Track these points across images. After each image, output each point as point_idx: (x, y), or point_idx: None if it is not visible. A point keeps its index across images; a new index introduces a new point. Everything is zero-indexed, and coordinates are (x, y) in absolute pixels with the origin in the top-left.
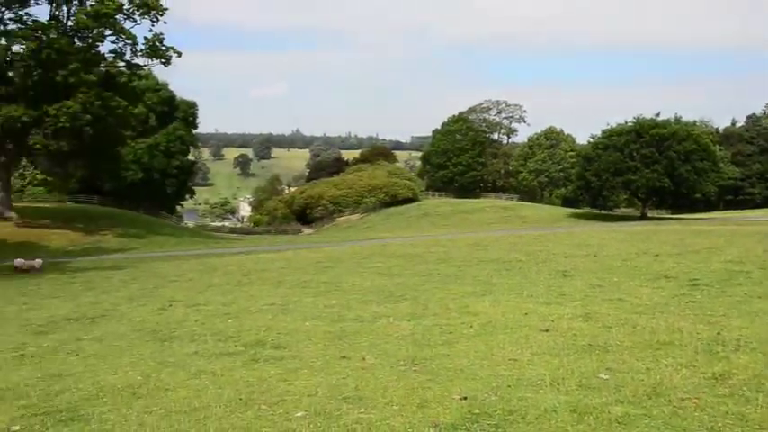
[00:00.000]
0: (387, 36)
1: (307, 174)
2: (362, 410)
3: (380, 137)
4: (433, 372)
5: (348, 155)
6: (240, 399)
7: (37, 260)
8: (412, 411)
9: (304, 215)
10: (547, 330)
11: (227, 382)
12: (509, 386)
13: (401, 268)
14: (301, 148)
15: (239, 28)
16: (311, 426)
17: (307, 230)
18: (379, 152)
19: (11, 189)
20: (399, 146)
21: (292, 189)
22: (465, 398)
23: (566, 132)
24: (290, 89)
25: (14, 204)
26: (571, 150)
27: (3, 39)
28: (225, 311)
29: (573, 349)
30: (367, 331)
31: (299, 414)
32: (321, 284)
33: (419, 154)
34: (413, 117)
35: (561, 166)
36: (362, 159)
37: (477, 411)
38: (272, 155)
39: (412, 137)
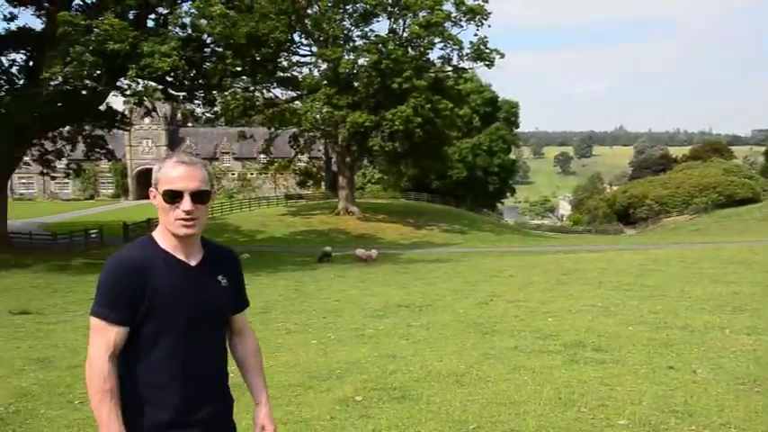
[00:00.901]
0: (722, 18)
1: (630, 172)
2: (693, 427)
3: (714, 131)
4: None
5: (676, 152)
6: (559, 398)
7: (373, 251)
8: None
9: (626, 215)
10: None
11: (547, 380)
12: None
13: (738, 276)
14: (625, 146)
15: (563, 26)
16: None
17: (629, 231)
18: (712, 148)
19: (354, 187)
20: (737, 140)
21: (614, 188)
22: None
23: None
24: (613, 85)
25: (356, 200)
26: None
27: (351, 54)
28: (544, 309)
29: None
30: (698, 342)
31: (621, 422)
32: (645, 288)
33: (762, 149)
34: (753, 108)
35: None
36: (692, 156)
37: None
38: (594, 152)
39: (753, 130)
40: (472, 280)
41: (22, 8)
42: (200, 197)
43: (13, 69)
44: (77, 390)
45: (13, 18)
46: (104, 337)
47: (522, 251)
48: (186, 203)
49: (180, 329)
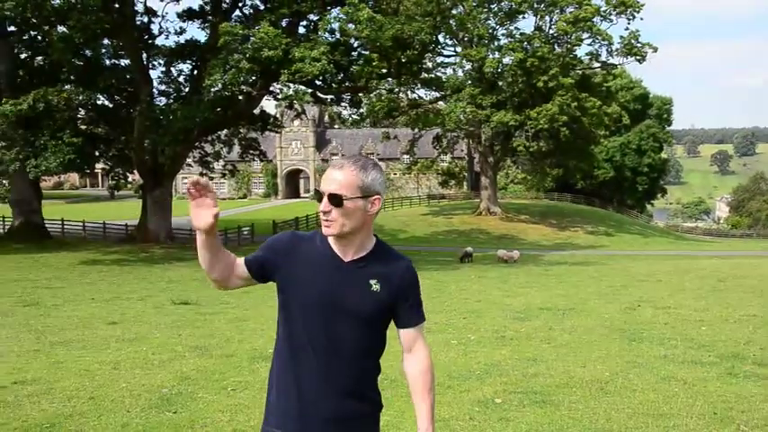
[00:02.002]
0: None
1: None
2: None
3: None
4: None
5: None
6: (715, 413)
7: (515, 252)
8: None
9: None
10: None
11: (700, 392)
12: None
13: None
14: None
15: (722, 13)
16: None
17: None
18: None
19: (496, 187)
20: None
21: None
22: None
23: None
24: None
25: (498, 200)
26: None
27: (496, 53)
28: (697, 318)
29: None
30: None
31: None
32: None
33: None
34: None
35: None
36: None
37: None
38: (757, 150)
39: None
40: (618, 284)
41: (189, 22)
42: (333, 200)
43: (180, 78)
44: (230, 377)
45: (182, 32)
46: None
47: (673, 255)
48: (321, 204)
49: (305, 317)
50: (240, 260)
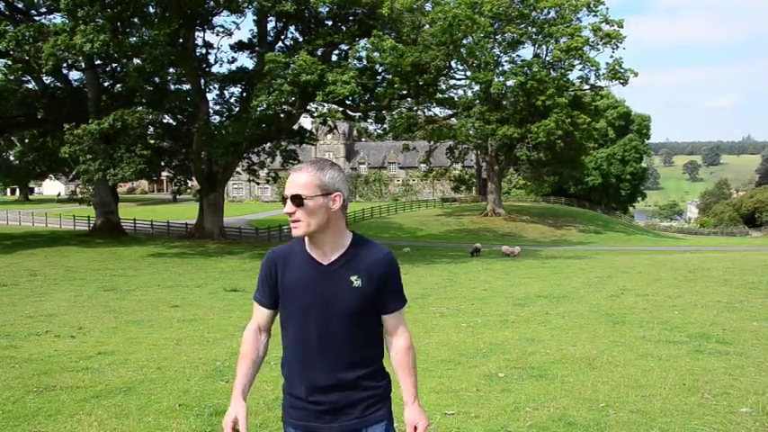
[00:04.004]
0: None
1: (757, 179)
2: None
3: None
4: None
5: None
6: (684, 384)
7: (516, 248)
8: None
9: (752, 219)
10: None
11: (672, 367)
12: None
13: None
14: (752, 154)
15: (693, 44)
16: (757, 423)
17: (755, 234)
18: None
19: (501, 191)
20: None
21: (741, 193)
22: None
23: None
24: (742, 99)
25: (503, 203)
26: None
27: (501, 76)
28: (671, 303)
29: None
30: None
31: (743, 410)
32: None
33: None
34: None
35: None
36: None
37: None
38: (721, 161)
39: None
40: (605, 275)
41: (240, 52)
42: (295, 200)
43: (232, 100)
44: (272, 353)
45: (233, 61)
46: (255, 314)
47: (651, 250)
48: (285, 206)
49: (300, 318)
50: (254, 325)
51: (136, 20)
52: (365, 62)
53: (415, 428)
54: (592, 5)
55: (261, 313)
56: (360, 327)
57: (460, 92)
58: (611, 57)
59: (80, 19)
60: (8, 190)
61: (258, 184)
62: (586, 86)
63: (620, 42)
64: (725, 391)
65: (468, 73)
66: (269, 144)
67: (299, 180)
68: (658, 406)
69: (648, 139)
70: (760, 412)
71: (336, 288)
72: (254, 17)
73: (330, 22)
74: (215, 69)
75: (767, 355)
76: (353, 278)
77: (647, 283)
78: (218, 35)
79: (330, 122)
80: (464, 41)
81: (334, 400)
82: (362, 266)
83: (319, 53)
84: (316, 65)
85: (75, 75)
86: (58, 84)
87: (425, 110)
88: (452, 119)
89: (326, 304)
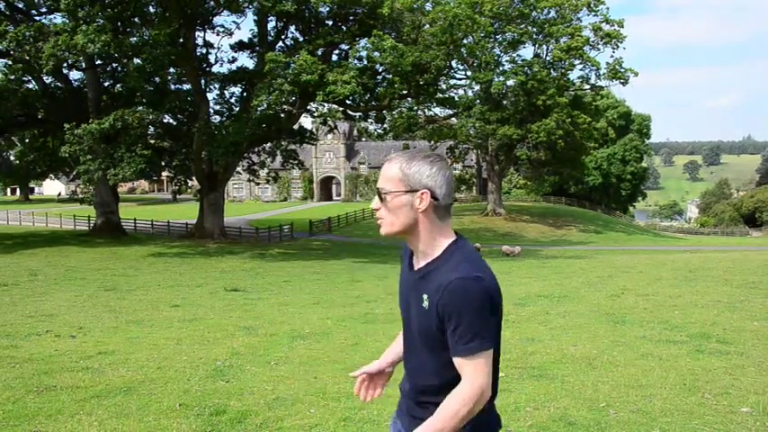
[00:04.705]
0: None
1: (757, 178)
2: None
3: None
4: None
5: None
6: (684, 384)
7: (517, 247)
8: None
9: (753, 218)
10: None
11: (672, 367)
12: None
13: None
14: (752, 154)
15: (693, 44)
16: (757, 423)
17: (755, 233)
18: None
19: (501, 191)
20: None
21: (741, 193)
22: None
23: None
24: (742, 98)
25: (503, 203)
26: None
27: (501, 76)
28: (672, 303)
29: None
30: None
31: (744, 409)
32: None
33: None
34: None
35: None
36: None
37: None
38: (721, 161)
39: None
40: (605, 275)
41: (240, 52)
42: (379, 195)
43: (232, 99)
44: (273, 353)
45: (234, 61)
46: None
47: (651, 250)
48: (373, 201)
49: (402, 317)
50: None
51: (136, 20)
52: (365, 62)
53: None
54: (592, 5)
55: None
56: (434, 351)
57: (461, 92)
58: (612, 56)
59: (81, 19)
60: (8, 190)
61: (258, 184)
62: (587, 86)
63: (621, 42)
64: (725, 391)
65: (469, 73)
66: (269, 144)
67: (385, 172)
68: (659, 406)
69: (649, 138)
70: (761, 412)
71: (415, 301)
72: (255, 17)
73: (330, 22)
74: (215, 69)
75: (767, 354)
76: (425, 296)
77: (648, 283)
78: (218, 35)
79: (330, 122)
80: (464, 41)
81: (404, 410)
82: (432, 287)
83: (320, 53)
84: (316, 65)
85: (75, 75)
86: (59, 84)
87: (426, 110)
88: (453, 119)
89: (409, 314)
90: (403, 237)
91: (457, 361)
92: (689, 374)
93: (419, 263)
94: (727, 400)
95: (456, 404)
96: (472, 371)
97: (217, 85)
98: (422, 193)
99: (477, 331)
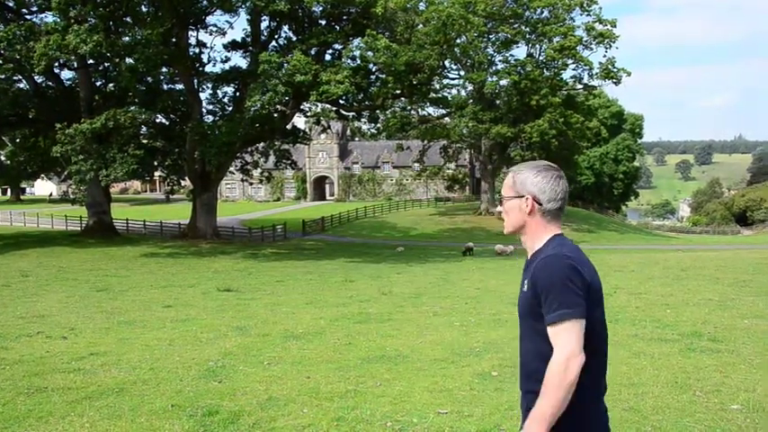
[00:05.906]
0: None
1: (748, 177)
2: None
3: None
4: None
5: None
6: (676, 382)
7: (510, 246)
8: None
9: (744, 217)
10: None
11: (664, 365)
12: None
13: None
14: (744, 153)
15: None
16: (747, 420)
17: (746, 232)
18: None
19: (494, 191)
20: None
21: (732, 192)
22: None
23: None
24: (734, 98)
25: (496, 203)
26: None
27: (494, 76)
28: (663, 302)
29: None
30: None
31: (734, 406)
32: (761, 285)
33: None
34: None
35: None
36: None
37: None
38: (713, 160)
39: None
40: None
41: (233, 52)
42: (501, 201)
43: (225, 99)
44: (266, 353)
45: (227, 60)
46: None
47: (643, 249)
48: (498, 206)
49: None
50: None
51: (128, 19)
52: (359, 62)
53: None
54: (585, 5)
55: None
56: (535, 334)
57: (454, 91)
58: (605, 56)
59: (72, 18)
60: (0, 190)
61: (251, 183)
62: (579, 86)
63: (614, 42)
64: (716, 389)
65: (462, 72)
66: (262, 144)
67: (505, 180)
68: (651, 403)
69: (641, 138)
70: (751, 409)
71: (520, 290)
72: (248, 16)
73: (324, 22)
74: (208, 69)
75: (758, 352)
76: (526, 281)
77: (640, 282)
78: (211, 34)
79: (324, 122)
80: (458, 41)
81: (523, 407)
82: (530, 271)
83: (313, 52)
84: (309, 65)
85: (67, 74)
86: (50, 83)
87: (419, 109)
88: (446, 118)
89: (519, 304)
90: (518, 235)
91: (549, 331)
92: (680, 372)
93: (528, 258)
94: (718, 398)
95: (550, 374)
96: (560, 338)
97: (210, 85)
98: (527, 198)
99: (562, 300)
